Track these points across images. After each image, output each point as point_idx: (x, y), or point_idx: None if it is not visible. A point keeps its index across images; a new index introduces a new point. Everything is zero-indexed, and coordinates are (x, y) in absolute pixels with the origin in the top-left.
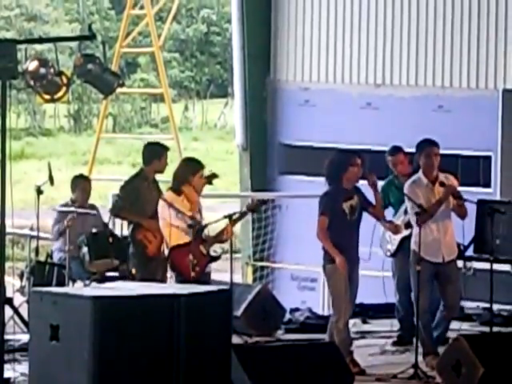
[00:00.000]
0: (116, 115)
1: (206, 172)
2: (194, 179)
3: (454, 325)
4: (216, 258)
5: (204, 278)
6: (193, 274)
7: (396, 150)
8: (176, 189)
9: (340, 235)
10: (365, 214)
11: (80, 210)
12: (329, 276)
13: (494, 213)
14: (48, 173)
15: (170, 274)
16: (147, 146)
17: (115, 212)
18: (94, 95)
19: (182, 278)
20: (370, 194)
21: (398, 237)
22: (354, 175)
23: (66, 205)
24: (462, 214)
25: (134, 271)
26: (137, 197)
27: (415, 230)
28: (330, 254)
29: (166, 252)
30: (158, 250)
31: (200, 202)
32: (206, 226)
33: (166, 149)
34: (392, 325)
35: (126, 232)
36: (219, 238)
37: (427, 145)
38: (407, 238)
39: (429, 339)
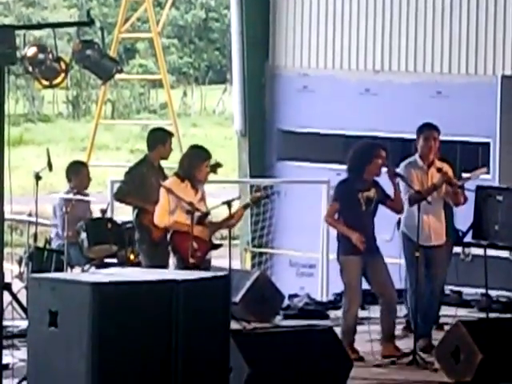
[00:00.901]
0: (114, 101)
1: (211, 161)
2: (201, 168)
3: (452, 311)
4: (218, 246)
5: (204, 265)
6: (192, 260)
7: None
8: (181, 175)
9: (353, 225)
10: None
11: (81, 197)
12: (342, 266)
13: (489, 198)
14: (47, 159)
15: (171, 260)
16: (151, 131)
17: (120, 197)
18: (92, 81)
19: (182, 263)
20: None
21: None
22: (377, 167)
23: (68, 192)
24: (457, 202)
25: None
26: (141, 182)
27: (405, 212)
28: (345, 237)
29: (168, 237)
30: (163, 236)
31: (204, 190)
32: (208, 212)
33: (170, 134)
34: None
35: (124, 218)
36: (221, 226)
37: (427, 128)
38: None
39: (422, 322)
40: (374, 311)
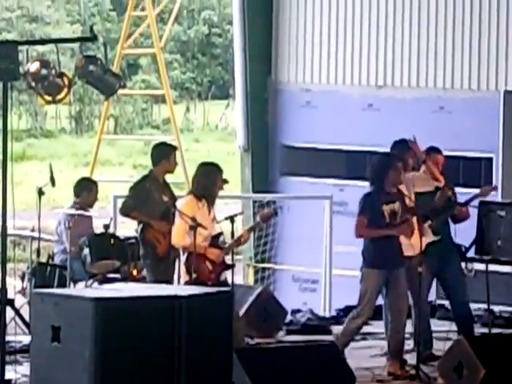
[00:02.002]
0: (117, 116)
1: None
2: (218, 184)
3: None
4: (230, 266)
5: (221, 285)
6: (194, 275)
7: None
8: (198, 194)
9: (379, 238)
10: None
11: (84, 212)
12: (362, 278)
13: (491, 213)
14: (49, 174)
15: (182, 279)
16: (155, 146)
17: (124, 211)
18: (95, 96)
19: (198, 283)
20: None
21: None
22: (394, 179)
23: (71, 208)
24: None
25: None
26: (146, 197)
27: None
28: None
29: (183, 257)
30: (167, 251)
31: (214, 210)
32: (221, 233)
33: (174, 148)
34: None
35: (127, 233)
36: (233, 246)
37: (406, 143)
38: (432, 244)
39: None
40: (377, 326)
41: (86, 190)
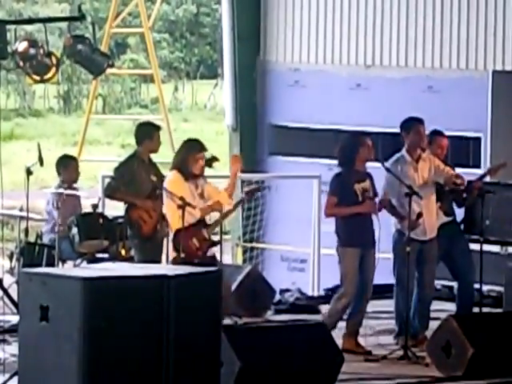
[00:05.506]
0: (106, 96)
1: (207, 155)
2: (194, 160)
3: (444, 306)
4: (217, 243)
5: (209, 261)
6: (182, 253)
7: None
8: (175, 168)
9: (351, 216)
10: None
11: (72, 192)
12: (340, 257)
13: (485, 194)
14: (37, 153)
15: (165, 255)
16: (138, 126)
17: (109, 193)
18: (83, 76)
19: (186, 260)
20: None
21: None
22: (364, 155)
23: (59, 187)
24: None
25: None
26: (131, 177)
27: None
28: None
29: (171, 235)
30: (153, 231)
31: (203, 184)
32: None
33: (157, 128)
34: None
35: (116, 213)
36: (221, 221)
37: (415, 122)
38: (444, 226)
39: (420, 319)
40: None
41: (62, 166)
